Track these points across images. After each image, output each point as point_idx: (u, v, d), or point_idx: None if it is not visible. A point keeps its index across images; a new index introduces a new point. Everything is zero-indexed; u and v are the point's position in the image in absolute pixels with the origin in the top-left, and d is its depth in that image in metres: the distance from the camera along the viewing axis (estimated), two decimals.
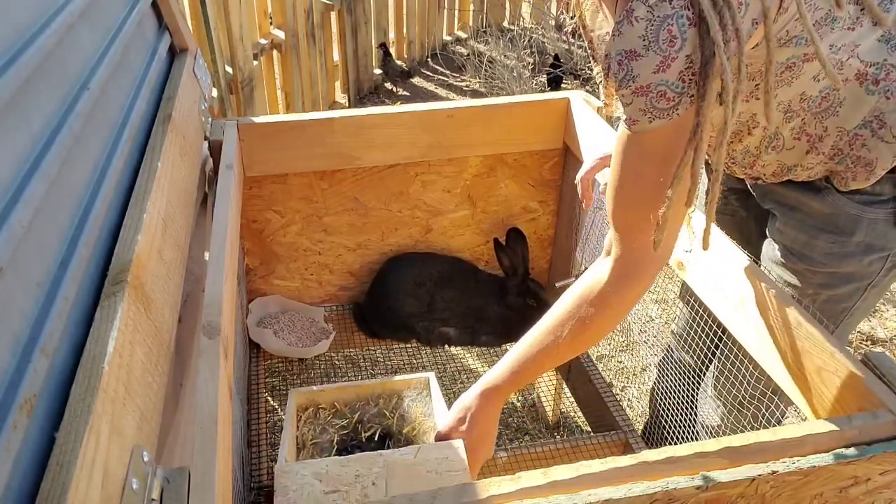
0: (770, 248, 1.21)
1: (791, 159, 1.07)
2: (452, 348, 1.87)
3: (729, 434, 1.30)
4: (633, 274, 0.95)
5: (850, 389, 0.83)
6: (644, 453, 0.73)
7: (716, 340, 1.27)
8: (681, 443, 1.45)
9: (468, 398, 1.10)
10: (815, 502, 0.78)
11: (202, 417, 0.72)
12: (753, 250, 1.24)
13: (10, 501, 0.49)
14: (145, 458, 0.62)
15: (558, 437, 1.95)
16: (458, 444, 1.07)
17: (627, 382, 2.21)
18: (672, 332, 1.57)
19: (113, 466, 0.57)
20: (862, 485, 0.78)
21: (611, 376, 2.23)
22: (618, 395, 2.03)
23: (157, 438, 0.71)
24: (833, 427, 0.76)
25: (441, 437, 1.11)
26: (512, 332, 1.74)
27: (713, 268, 1.08)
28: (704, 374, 1.40)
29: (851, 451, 0.75)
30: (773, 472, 0.72)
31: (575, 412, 2.00)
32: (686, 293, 1.46)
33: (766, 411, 1.19)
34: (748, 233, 1.30)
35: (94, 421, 0.56)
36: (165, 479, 0.63)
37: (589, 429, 1.78)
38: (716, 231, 1.09)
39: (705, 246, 0.91)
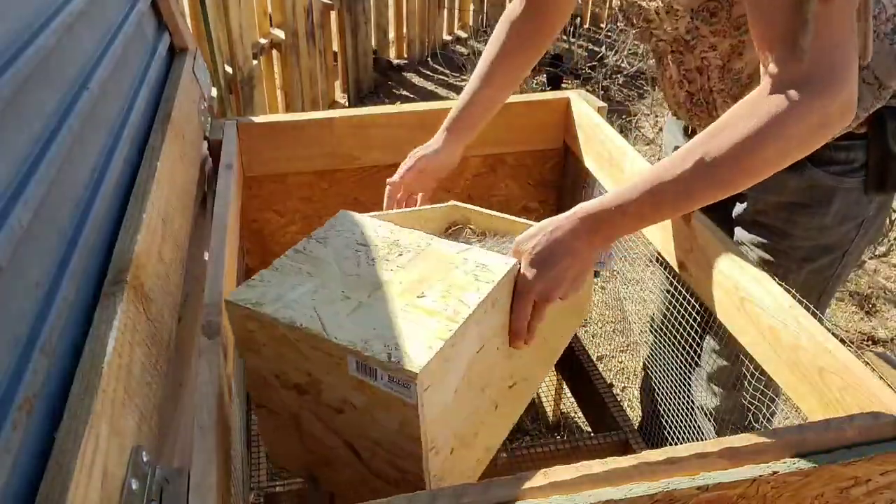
0: (746, 232, 1.23)
1: None
2: None
3: (728, 414, 1.31)
4: (803, 90, 0.77)
5: (851, 389, 0.83)
6: (644, 453, 0.73)
7: (702, 324, 1.28)
8: (679, 434, 1.46)
9: (557, 218, 0.89)
10: (815, 503, 0.78)
11: (202, 418, 0.72)
12: None
13: (10, 501, 0.49)
14: (145, 459, 0.62)
15: (558, 437, 1.95)
16: (509, 262, 0.88)
17: (627, 382, 2.21)
18: (653, 328, 1.57)
19: (112, 467, 0.57)
20: (863, 485, 0.78)
21: (611, 376, 2.23)
22: (618, 395, 2.03)
23: (156, 439, 0.71)
24: (833, 427, 0.76)
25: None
26: None
27: (713, 268, 1.08)
28: (694, 359, 1.40)
29: (852, 451, 0.75)
30: (774, 473, 0.72)
31: (575, 412, 2.00)
32: (663, 277, 1.46)
33: (763, 393, 1.21)
34: (714, 221, 1.32)
35: (94, 421, 0.56)
36: (165, 479, 0.63)
37: (589, 429, 1.78)
38: (716, 231, 1.09)
39: (864, 60, 0.82)
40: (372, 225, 1.00)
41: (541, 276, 0.86)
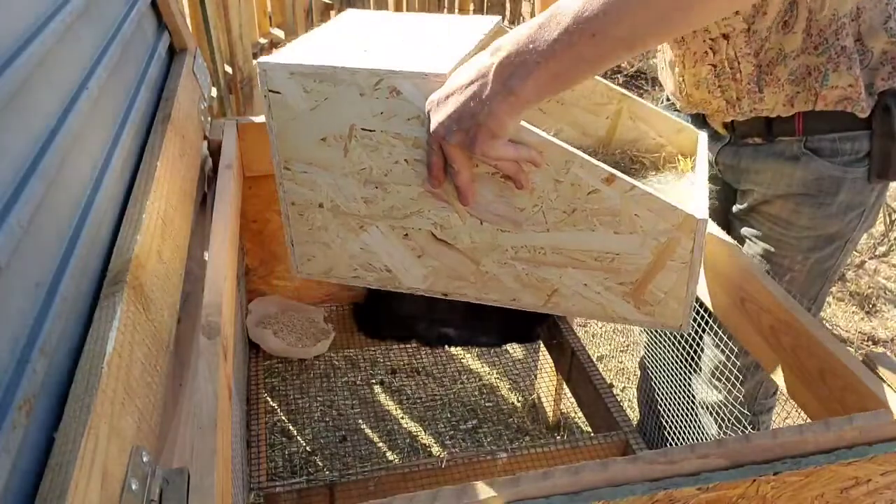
0: (749, 227, 1.25)
1: (789, 45, 1.09)
2: (452, 348, 1.86)
3: (731, 409, 1.32)
4: None
5: (851, 389, 0.83)
6: (644, 453, 0.73)
7: (700, 321, 1.28)
8: (679, 434, 1.46)
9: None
10: (816, 503, 0.78)
11: (201, 418, 0.72)
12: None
13: (10, 502, 0.49)
14: (144, 459, 0.62)
15: (558, 437, 1.95)
16: (440, 71, 0.78)
17: (627, 383, 2.21)
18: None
19: (112, 467, 0.57)
20: (863, 485, 0.78)
21: (611, 377, 2.23)
22: (618, 395, 2.03)
23: (156, 439, 0.71)
24: (834, 427, 0.76)
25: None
26: (512, 332, 1.74)
27: (713, 267, 1.08)
28: (692, 357, 1.40)
29: (852, 451, 0.75)
30: (775, 473, 0.72)
31: (575, 412, 2.00)
32: None
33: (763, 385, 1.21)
34: (714, 219, 1.33)
35: (94, 421, 0.56)
36: (165, 479, 0.63)
37: (589, 429, 1.78)
38: (716, 230, 1.09)
39: None
40: (477, 27, 0.98)
41: (437, 105, 0.76)
